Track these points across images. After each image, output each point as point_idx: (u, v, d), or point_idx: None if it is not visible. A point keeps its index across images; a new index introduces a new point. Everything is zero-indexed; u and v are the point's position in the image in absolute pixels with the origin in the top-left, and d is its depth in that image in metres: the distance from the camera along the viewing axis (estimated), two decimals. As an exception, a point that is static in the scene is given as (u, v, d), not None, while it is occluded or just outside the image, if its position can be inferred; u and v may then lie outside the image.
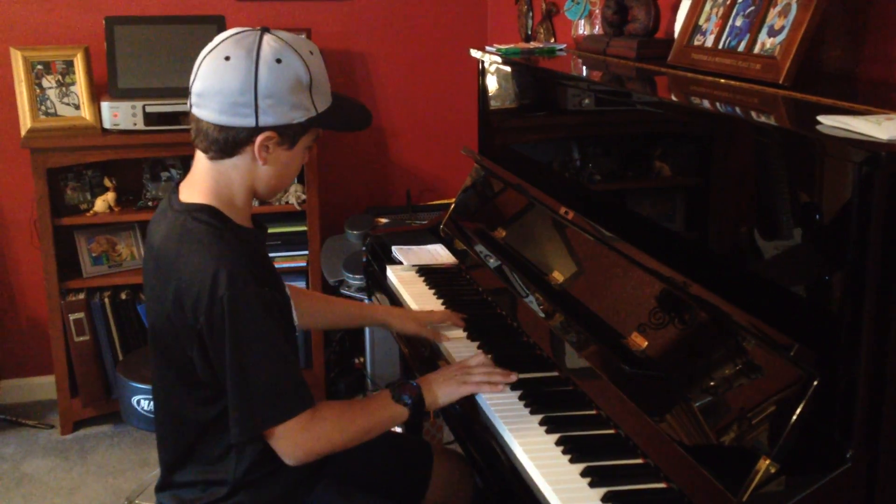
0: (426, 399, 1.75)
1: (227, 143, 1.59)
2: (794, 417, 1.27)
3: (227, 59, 1.55)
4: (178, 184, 1.70)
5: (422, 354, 2.09)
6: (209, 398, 1.62)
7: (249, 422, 1.57)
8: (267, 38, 1.58)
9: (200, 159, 1.64)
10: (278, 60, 1.55)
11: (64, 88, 3.34)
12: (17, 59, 3.29)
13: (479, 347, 1.99)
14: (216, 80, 1.55)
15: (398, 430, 2.65)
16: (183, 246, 1.59)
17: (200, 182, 1.65)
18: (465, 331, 2.09)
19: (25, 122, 3.30)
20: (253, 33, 1.58)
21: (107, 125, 3.27)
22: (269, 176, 1.65)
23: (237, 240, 1.60)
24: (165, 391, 1.72)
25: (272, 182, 1.66)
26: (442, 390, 1.78)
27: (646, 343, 1.63)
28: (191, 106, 1.61)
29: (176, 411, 1.69)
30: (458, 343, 2.03)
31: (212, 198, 1.63)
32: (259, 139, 1.58)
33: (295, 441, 1.60)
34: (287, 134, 1.61)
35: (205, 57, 1.58)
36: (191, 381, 1.63)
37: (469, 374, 1.80)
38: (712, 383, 1.45)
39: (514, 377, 1.80)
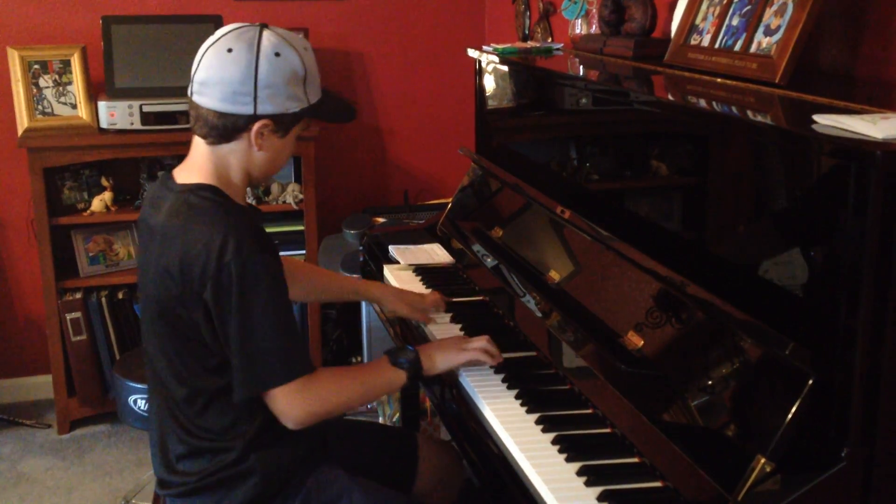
0: (424, 364, 1.81)
1: (226, 129, 1.68)
2: (790, 416, 1.27)
3: (230, 51, 1.65)
4: (170, 170, 1.79)
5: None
6: (215, 368, 1.68)
7: (251, 381, 1.64)
8: (266, 33, 1.68)
9: (199, 144, 1.73)
10: (277, 54, 1.65)
11: (61, 88, 3.34)
12: (14, 59, 3.29)
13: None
14: (219, 70, 1.64)
15: (388, 422, 2.65)
16: (189, 219, 1.66)
17: (199, 165, 1.73)
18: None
19: (22, 121, 3.29)
20: (253, 28, 1.68)
21: (104, 125, 3.26)
22: (263, 161, 1.73)
23: (240, 213, 1.69)
24: (169, 367, 1.73)
25: (265, 167, 1.75)
26: (440, 356, 1.83)
27: (642, 342, 1.63)
28: (192, 93, 1.69)
29: (181, 385, 1.72)
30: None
31: (211, 178, 1.72)
32: (256, 126, 1.68)
33: (293, 402, 1.66)
34: (281, 123, 1.70)
35: (207, 49, 1.68)
36: (199, 352, 1.68)
37: (469, 343, 1.86)
38: (708, 382, 1.45)
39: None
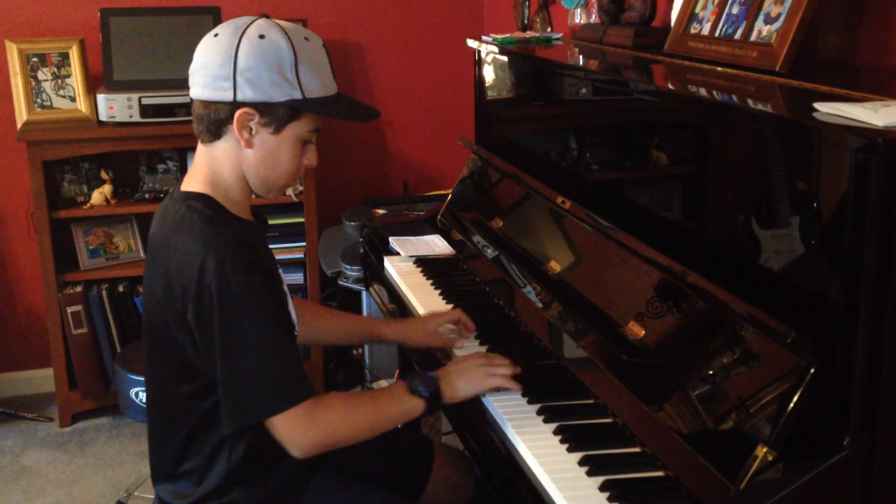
0: (445, 392, 1.67)
1: (211, 120, 1.59)
2: (792, 405, 1.27)
3: (216, 35, 1.59)
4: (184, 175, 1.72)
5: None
6: (201, 390, 1.60)
7: (241, 412, 1.55)
8: (260, 20, 1.60)
9: (198, 146, 1.66)
10: (261, 36, 1.56)
11: (59, 81, 3.33)
12: (13, 52, 3.28)
13: (476, 338, 1.99)
14: (203, 56, 1.59)
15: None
16: (174, 233, 1.59)
17: (198, 170, 1.66)
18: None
19: (21, 114, 3.29)
20: (250, 17, 1.61)
21: (103, 117, 3.26)
22: (255, 162, 1.62)
23: (229, 229, 1.60)
24: (158, 383, 1.71)
25: (261, 171, 1.63)
26: (463, 381, 1.69)
27: (643, 332, 1.63)
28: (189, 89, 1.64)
29: (169, 403, 1.68)
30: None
31: (208, 187, 1.63)
32: (237, 115, 1.57)
33: (296, 431, 1.55)
34: (270, 114, 1.58)
35: (202, 39, 1.62)
36: (183, 373, 1.62)
37: (496, 367, 1.72)
38: (709, 372, 1.45)
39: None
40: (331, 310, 2.19)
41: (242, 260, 1.54)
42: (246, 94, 1.55)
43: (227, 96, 1.56)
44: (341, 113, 1.66)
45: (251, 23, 1.59)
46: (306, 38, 1.61)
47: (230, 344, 1.53)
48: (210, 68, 1.56)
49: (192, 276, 1.52)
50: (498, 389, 1.71)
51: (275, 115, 1.59)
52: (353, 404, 1.64)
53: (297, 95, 1.58)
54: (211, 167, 1.64)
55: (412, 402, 1.66)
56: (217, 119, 1.59)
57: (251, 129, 1.59)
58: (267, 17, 1.62)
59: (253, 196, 1.70)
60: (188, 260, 1.54)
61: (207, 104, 1.59)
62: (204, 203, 1.61)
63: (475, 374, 1.70)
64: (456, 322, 2.00)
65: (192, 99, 1.63)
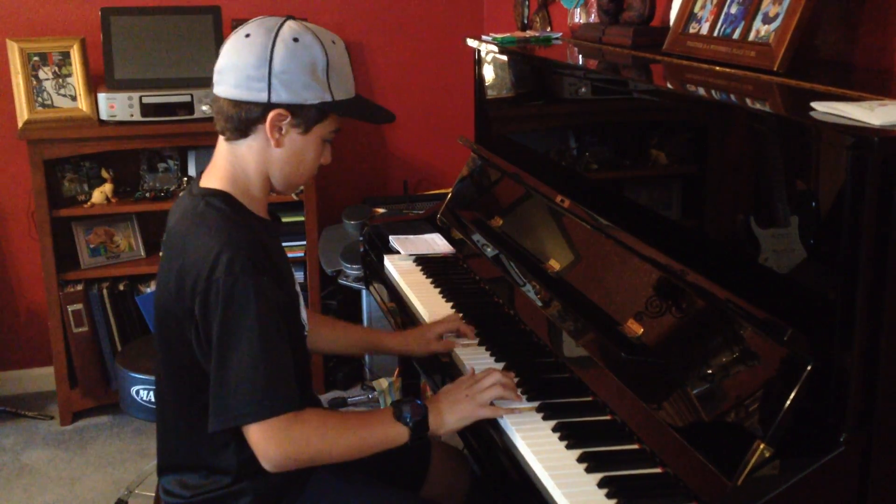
0: (431, 422, 1.64)
1: (241, 120, 1.61)
2: (788, 402, 1.28)
3: (248, 36, 1.60)
4: (201, 172, 1.73)
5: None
6: (208, 384, 1.59)
7: (221, 414, 1.54)
8: (290, 22, 1.62)
9: (220, 143, 1.67)
10: (295, 39, 1.59)
11: (60, 80, 3.34)
12: (14, 51, 3.29)
13: (476, 336, 2.00)
14: (234, 55, 1.59)
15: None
16: (192, 228, 1.61)
17: (218, 167, 1.67)
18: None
19: (22, 113, 3.30)
20: (277, 18, 1.63)
21: (104, 116, 3.27)
22: (282, 161, 1.65)
23: (246, 227, 1.61)
24: (168, 376, 1.72)
25: (286, 169, 1.66)
26: (453, 413, 1.65)
27: (642, 330, 1.63)
28: (213, 86, 1.64)
29: (178, 397, 1.69)
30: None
31: (228, 184, 1.65)
32: (271, 116, 1.59)
33: (269, 443, 1.54)
34: (301, 115, 1.61)
35: (228, 38, 1.63)
36: (192, 367, 1.63)
37: (483, 394, 1.66)
38: (707, 369, 1.46)
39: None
40: (332, 319, 2.19)
41: (254, 260, 1.55)
42: (280, 95, 1.58)
43: (262, 97, 1.58)
44: (365, 115, 1.74)
45: (282, 24, 1.61)
46: (333, 42, 1.64)
47: (225, 342, 1.53)
48: (244, 69, 1.57)
49: (204, 271, 1.54)
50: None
51: (305, 116, 1.62)
52: (332, 424, 1.62)
53: (328, 98, 1.62)
54: (233, 164, 1.66)
55: (396, 429, 1.64)
56: (248, 118, 1.60)
57: (282, 129, 1.62)
58: (293, 17, 1.64)
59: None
60: (203, 255, 1.55)
61: (238, 103, 1.60)
62: (223, 200, 1.63)
63: (465, 405, 1.66)
64: (455, 332, 2.00)
65: (216, 96, 1.63)
